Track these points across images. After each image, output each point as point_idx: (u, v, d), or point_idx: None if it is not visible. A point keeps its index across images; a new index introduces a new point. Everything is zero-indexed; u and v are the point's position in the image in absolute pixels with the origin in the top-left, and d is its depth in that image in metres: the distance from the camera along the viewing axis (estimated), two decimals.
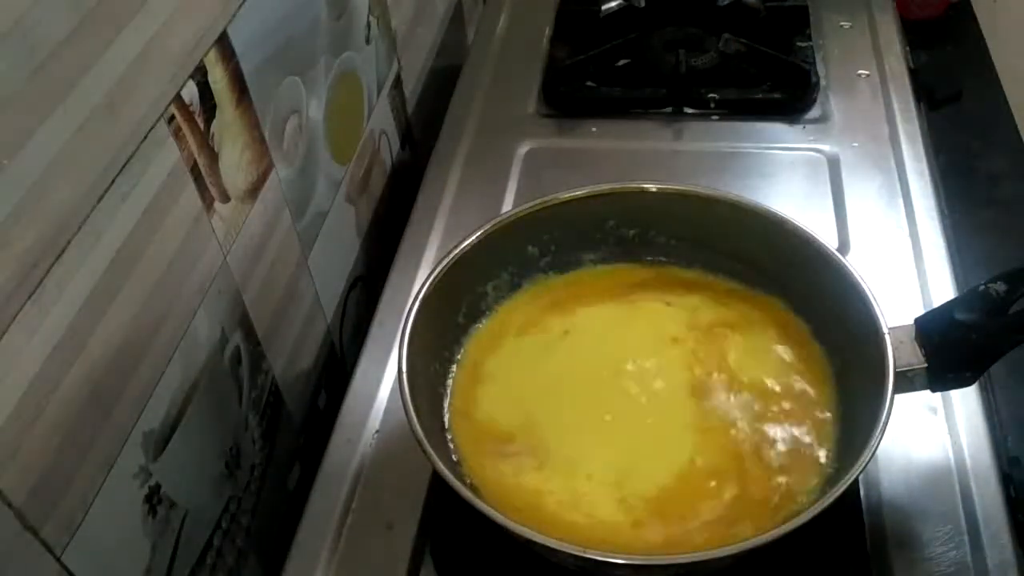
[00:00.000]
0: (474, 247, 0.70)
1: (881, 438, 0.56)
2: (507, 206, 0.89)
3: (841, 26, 1.08)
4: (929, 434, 0.69)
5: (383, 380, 0.76)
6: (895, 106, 0.97)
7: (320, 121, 0.79)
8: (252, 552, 0.70)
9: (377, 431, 0.73)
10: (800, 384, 0.67)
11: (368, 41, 0.89)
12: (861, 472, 0.55)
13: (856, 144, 0.93)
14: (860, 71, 1.02)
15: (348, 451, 0.71)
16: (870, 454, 0.55)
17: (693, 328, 0.71)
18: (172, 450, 0.58)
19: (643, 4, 1.07)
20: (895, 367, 0.59)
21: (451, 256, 0.69)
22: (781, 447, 0.63)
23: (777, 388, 0.67)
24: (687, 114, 0.98)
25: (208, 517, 0.64)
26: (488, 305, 0.74)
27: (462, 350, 0.71)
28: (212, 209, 0.62)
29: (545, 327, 0.72)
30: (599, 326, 0.72)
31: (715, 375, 0.67)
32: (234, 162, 0.64)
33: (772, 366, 0.68)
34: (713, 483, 0.62)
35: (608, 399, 0.67)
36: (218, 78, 0.61)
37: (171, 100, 0.56)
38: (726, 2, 1.05)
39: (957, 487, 0.65)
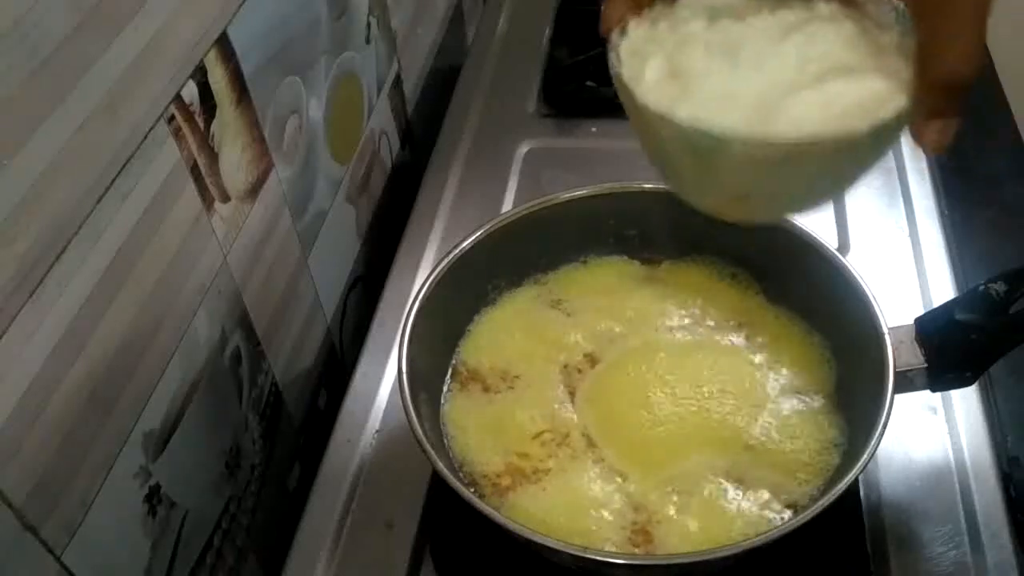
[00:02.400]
0: (474, 247, 0.70)
1: (881, 438, 0.56)
2: (507, 206, 0.89)
3: None
4: (929, 434, 0.69)
5: (383, 380, 0.76)
6: None
7: (320, 121, 0.79)
8: (252, 552, 0.70)
9: (377, 431, 0.73)
10: (799, 384, 0.67)
11: (368, 41, 0.89)
12: (861, 472, 0.55)
13: None
14: None
15: (348, 451, 0.71)
16: (870, 454, 0.55)
17: (692, 326, 0.71)
18: (172, 450, 0.58)
19: None
20: (895, 367, 0.59)
21: (451, 256, 0.69)
22: (780, 446, 0.63)
23: (776, 387, 0.67)
24: None
25: (208, 517, 0.64)
26: (488, 304, 0.74)
27: (462, 349, 0.71)
28: (212, 209, 0.62)
29: (546, 326, 0.72)
30: (600, 325, 0.72)
31: (714, 372, 0.67)
32: (234, 162, 0.64)
33: (771, 365, 0.68)
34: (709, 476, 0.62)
35: (608, 396, 0.67)
36: (218, 78, 0.61)
37: (171, 100, 0.56)
38: None
39: (957, 487, 0.65)
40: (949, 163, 1.05)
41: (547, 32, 1.12)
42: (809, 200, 0.48)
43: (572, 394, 0.68)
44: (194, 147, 0.59)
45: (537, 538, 0.55)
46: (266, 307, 0.71)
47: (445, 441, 0.66)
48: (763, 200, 0.45)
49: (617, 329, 0.71)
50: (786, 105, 0.41)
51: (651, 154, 0.47)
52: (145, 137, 0.53)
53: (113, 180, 0.51)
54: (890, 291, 0.74)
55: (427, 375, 0.67)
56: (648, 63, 0.44)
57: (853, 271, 0.65)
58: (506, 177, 0.93)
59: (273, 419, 0.74)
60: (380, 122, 0.95)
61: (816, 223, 0.73)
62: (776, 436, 0.64)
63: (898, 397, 0.58)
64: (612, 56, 0.46)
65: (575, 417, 0.66)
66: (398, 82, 1.00)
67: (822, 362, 0.67)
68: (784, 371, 0.67)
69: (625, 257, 0.76)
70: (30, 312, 0.45)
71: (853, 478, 0.55)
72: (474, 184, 0.93)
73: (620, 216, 0.75)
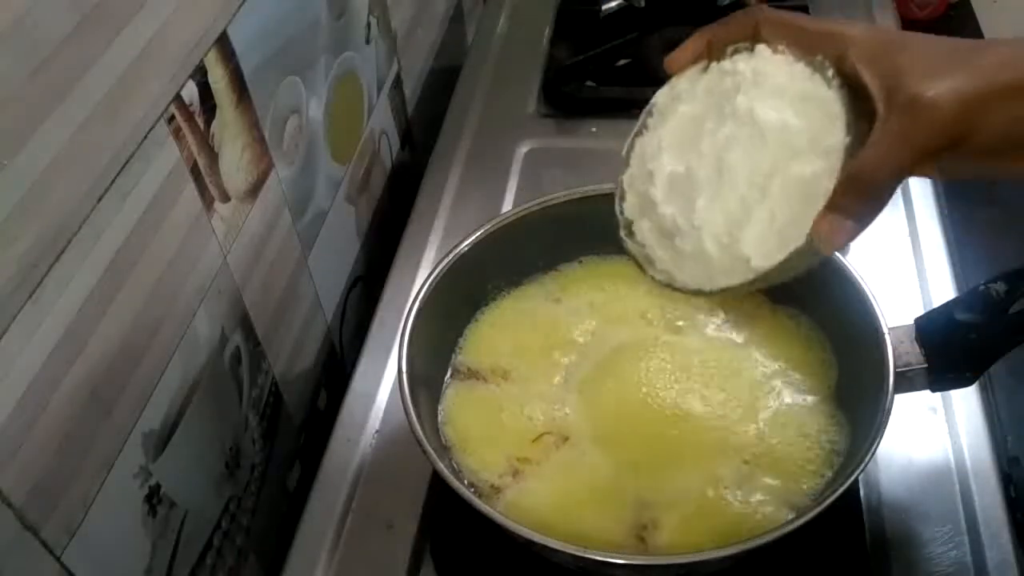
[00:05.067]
0: (474, 247, 0.70)
1: (881, 438, 0.56)
2: (507, 206, 0.89)
3: None
4: (929, 434, 0.69)
5: (383, 380, 0.76)
6: None
7: (320, 121, 0.79)
8: (252, 552, 0.70)
9: (377, 431, 0.73)
10: (799, 383, 0.67)
11: (368, 41, 0.89)
12: (861, 472, 0.55)
13: None
14: None
15: (348, 451, 0.71)
16: (870, 454, 0.55)
17: (692, 326, 0.71)
18: (172, 450, 0.58)
19: (643, 4, 1.07)
20: (895, 367, 0.59)
21: (451, 256, 0.69)
22: (780, 446, 0.63)
23: (776, 387, 0.67)
24: None
25: (208, 517, 0.64)
26: (488, 304, 0.74)
27: (462, 349, 0.71)
28: (212, 209, 0.62)
29: (545, 326, 0.72)
30: (600, 325, 0.72)
31: (715, 372, 0.67)
32: (234, 162, 0.64)
33: (771, 365, 0.68)
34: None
35: (608, 396, 0.67)
36: (218, 78, 0.61)
37: (171, 100, 0.56)
38: (726, 2, 1.05)
39: (957, 487, 0.65)
40: None
41: (547, 32, 1.12)
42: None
43: (572, 394, 0.68)
44: (194, 147, 0.59)
45: (537, 538, 0.55)
46: (266, 307, 0.71)
47: (445, 441, 0.66)
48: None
49: (617, 329, 0.71)
50: (745, 239, 0.49)
51: None
52: (145, 137, 0.53)
53: (113, 180, 0.51)
54: (890, 291, 0.74)
55: (427, 375, 0.67)
56: (640, 228, 0.56)
57: (853, 271, 0.65)
58: (506, 177, 0.93)
59: (273, 419, 0.74)
60: (380, 122, 0.95)
61: None
62: (776, 436, 0.64)
63: (898, 397, 0.58)
64: (623, 231, 0.57)
65: (575, 417, 0.66)
66: (398, 82, 1.00)
67: (822, 362, 0.67)
68: (784, 371, 0.67)
69: (625, 257, 0.76)
70: (30, 312, 0.45)
71: (853, 478, 0.55)
72: (474, 184, 0.93)
73: None
